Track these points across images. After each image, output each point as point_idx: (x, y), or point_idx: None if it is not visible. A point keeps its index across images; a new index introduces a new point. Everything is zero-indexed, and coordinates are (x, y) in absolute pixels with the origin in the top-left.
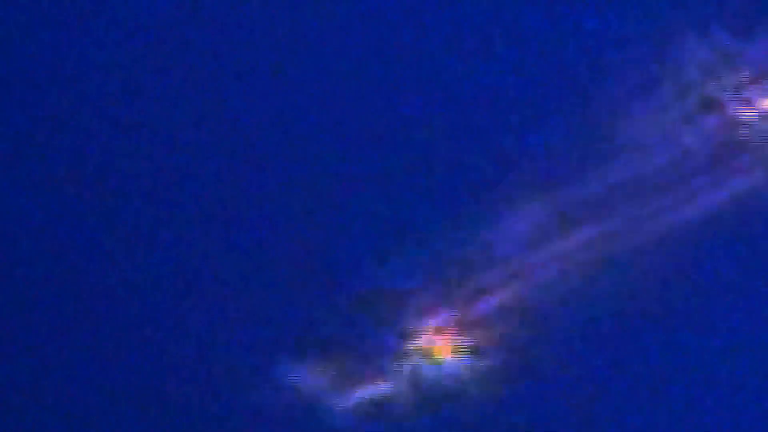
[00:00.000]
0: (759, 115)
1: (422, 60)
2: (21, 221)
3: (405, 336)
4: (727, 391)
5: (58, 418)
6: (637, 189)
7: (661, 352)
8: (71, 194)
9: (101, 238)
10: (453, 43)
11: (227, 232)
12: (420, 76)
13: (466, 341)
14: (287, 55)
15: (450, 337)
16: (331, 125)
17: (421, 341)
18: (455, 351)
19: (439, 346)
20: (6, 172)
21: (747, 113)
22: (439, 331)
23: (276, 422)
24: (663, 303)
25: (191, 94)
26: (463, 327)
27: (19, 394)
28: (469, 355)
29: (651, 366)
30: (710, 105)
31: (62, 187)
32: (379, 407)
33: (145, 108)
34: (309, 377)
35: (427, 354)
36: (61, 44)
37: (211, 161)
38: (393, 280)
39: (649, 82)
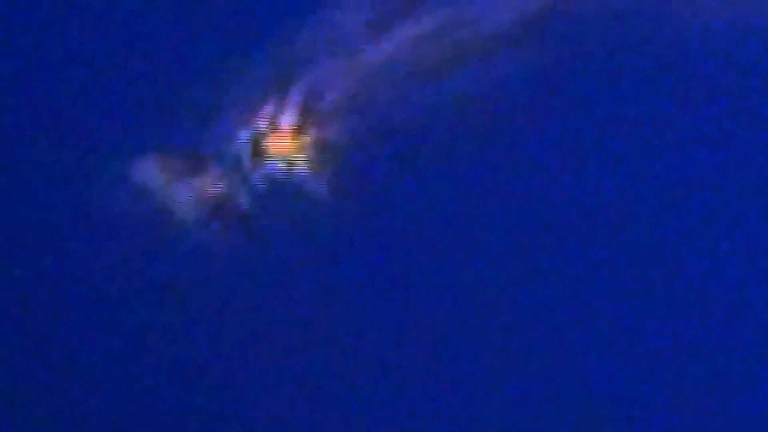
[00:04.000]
0: None
1: None
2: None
3: (247, 132)
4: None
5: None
6: None
7: None
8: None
9: None
10: None
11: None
12: None
13: (309, 137)
14: None
15: (292, 132)
16: None
17: (263, 137)
18: (298, 148)
19: (281, 142)
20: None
21: None
22: (280, 126)
23: (122, 223)
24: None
25: None
26: (306, 122)
27: None
28: (311, 152)
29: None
30: None
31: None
32: (221, 207)
33: None
34: (153, 175)
35: (269, 150)
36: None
37: None
38: (232, 73)
39: None
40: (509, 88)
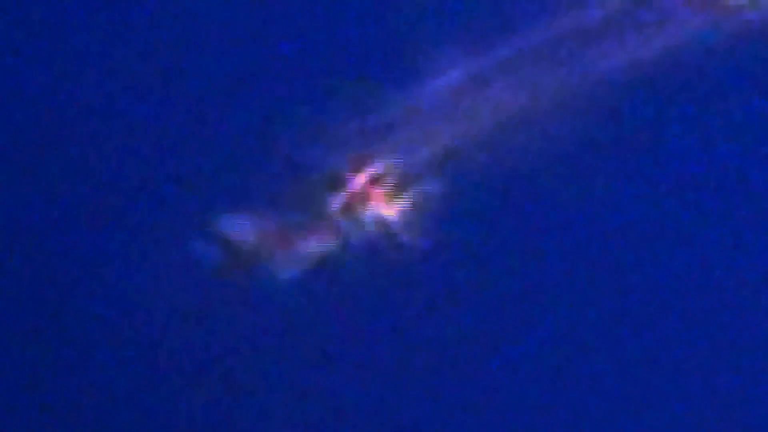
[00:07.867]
0: None
1: None
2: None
3: (338, 186)
4: None
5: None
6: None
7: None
8: None
9: None
10: None
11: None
12: None
13: (404, 190)
14: None
15: (386, 187)
16: None
17: (356, 191)
18: (392, 202)
19: (375, 197)
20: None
21: None
22: (375, 180)
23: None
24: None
25: None
26: (401, 176)
27: None
28: (407, 206)
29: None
30: None
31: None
32: (315, 261)
33: None
34: (242, 233)
35: (362, 205)
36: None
37: None
38: (326, 126)
39: None
40: None
